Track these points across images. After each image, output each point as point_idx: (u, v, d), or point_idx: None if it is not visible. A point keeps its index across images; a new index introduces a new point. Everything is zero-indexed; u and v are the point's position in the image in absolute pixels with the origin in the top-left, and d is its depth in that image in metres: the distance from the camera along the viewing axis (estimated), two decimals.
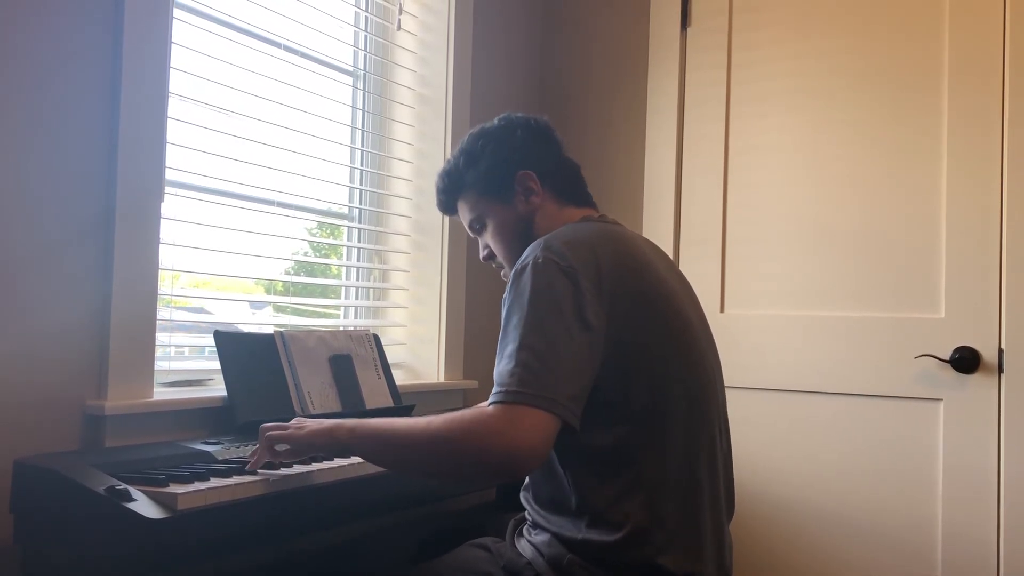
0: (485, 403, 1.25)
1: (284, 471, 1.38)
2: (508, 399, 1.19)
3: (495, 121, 1.59)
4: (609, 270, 1.31)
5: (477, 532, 1.54)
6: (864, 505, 2.26)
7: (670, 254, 2.54)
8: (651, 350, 1.33)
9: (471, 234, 1.63)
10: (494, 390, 1.22)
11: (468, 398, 2.47)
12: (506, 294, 1.32)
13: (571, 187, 1.58)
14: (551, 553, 1.33)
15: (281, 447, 1.38)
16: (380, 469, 1.48)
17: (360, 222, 2.39)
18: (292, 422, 1.39)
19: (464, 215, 1.61)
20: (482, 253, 1.62)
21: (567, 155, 1.61)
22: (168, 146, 1.71)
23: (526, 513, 1.45)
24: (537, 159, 1.54)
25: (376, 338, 2.09)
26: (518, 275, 1.30)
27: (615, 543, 1.28)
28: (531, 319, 1.24)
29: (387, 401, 2.03)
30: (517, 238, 1.52)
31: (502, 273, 1.59)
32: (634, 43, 2.69)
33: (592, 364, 1.27)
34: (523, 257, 1.33)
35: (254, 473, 1.35)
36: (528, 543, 1.38)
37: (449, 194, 1.61)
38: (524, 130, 1.56)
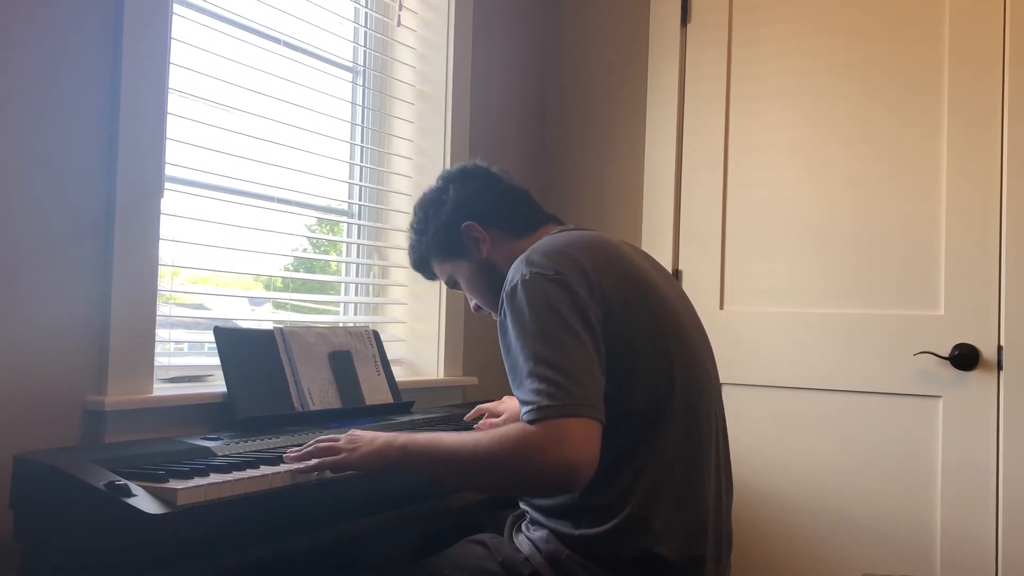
0: (514, 422, 1.25)
1: (283, 467, 1.38)
2: (545, 414, 1.18)
3: (433, 184, 1.64)
4: (595, 272, 1.32)
5: (476, 528, 1.54)
6: (863, 502, 2.26)
7: (669, 251, 2.54)
8: (645, 346, 1.33)
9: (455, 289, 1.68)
10: (524, 409, 1.21)
11: (467, 394, 2.47)
12: (501, 318, 1.32)
13: (522, 216, 1.59)
14: (549, 549, 1.34)
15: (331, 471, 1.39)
16: None
17: (360, 218, 2.38)
18: (343, 440, 1.40)
19: (441, 278, 1.68)
20: (471, 304, 1.66)
21: (509, 185, 1.62)
22: (168, 142, 1.71)
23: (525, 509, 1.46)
24: (475, 207, 1.57)
25: (376, 334, 2.09)
26: (510, 296, 1.31)
27: (611, 532, 1.29)
28: (537, 333, 1.25)
29: (387, 398, 2.03)
30: (487, 285, 1.57)
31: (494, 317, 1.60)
32: (634, 39, 2.68)
33: (602, 361, 1.28)
34: (509, 279, 1.34)
35: (256, 466, 1.36)
36: (526, 539, 1.39)
37: (422, 267, 1.68)
38: (456, 183, 1.60)
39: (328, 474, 1.40)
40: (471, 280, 1.60)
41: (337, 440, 1.40)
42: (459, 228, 1.55)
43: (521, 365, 1.25)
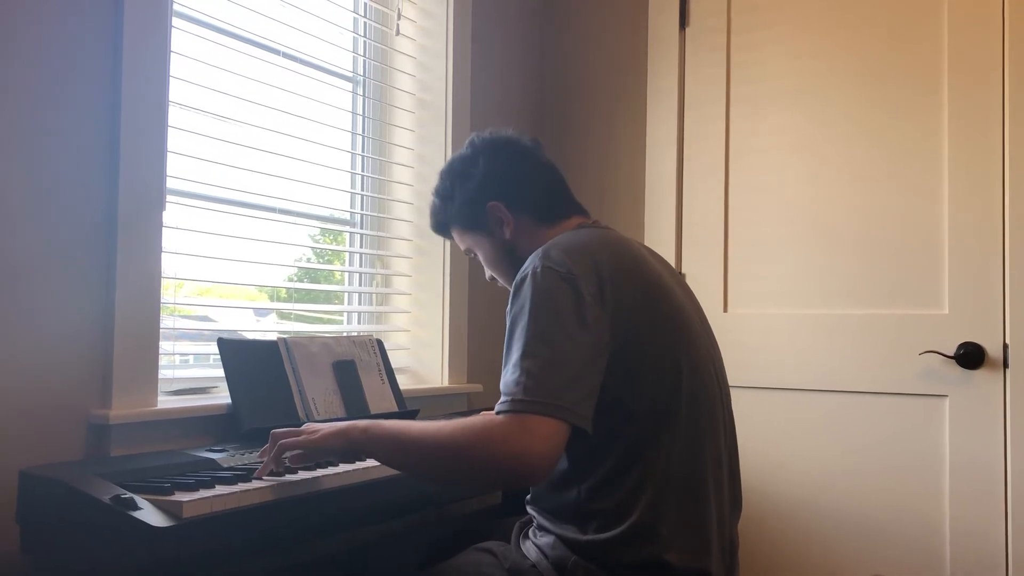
0: (491, 411, 1.25)
1: (290, 477, 1.38)
2: (515, 408, 1.19)
3: (462, 149, 1.61)
4: (609, 274, 1.32)
5: (482, 536, 1.54)
6: (871, 503, 2.25)
7: (672, 255, 2.54)
8: (653, 349, 1.33)
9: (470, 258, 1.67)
10: (501, 399, 1.22)
11: (472, 402, 2.47)
12: (508, 306, 1.33)
13: (548, 201, 1.56)
14: (556, 555, 1.33)
15: (292, 454, 1.37)
16: (384, 474, 1.48)
17: (362, 227, 2.39)
18: (304, 427, 1.39)
19: (460, 246, 1.65)
20: (487, 275, 1.66)
21: (541, 163, 1.58)
22: (169, 155, 1.71)
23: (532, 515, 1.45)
24: (503, 186, 1.54)
25: (379, 343, 2.09)
26: (518, 286, 1.31)
27: (618, 538, 1.29)
28: (533, 327, 1.25)
29: (391, 406, 2.03)
30: (506, 265, 1.55)
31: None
32: (633, 44, 2.69)
33: (598, 364, 1.27)
34: (523, 268, 1.34)
35: (261, 479, 1.36)
36: (533, 545, 1.39)
37: (440, 230, 1.66)
38: (486, 155, 1.56)
39: (317, 478, 1.38)
40: (489, 257, 1.59)
41: (295, 429, 1.39)
42: (485, 206, 1.53)
43: (512, 354, 1.26)
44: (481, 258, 1.61)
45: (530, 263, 1.33)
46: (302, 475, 1.41)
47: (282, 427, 1.41)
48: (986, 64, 2.16)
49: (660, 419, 1.32)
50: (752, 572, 2.36)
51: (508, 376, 1.23)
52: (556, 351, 1.23)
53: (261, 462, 1.45)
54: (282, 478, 1.37)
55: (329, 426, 1.36)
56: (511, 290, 1.34)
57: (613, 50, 2.73)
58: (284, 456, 1.38)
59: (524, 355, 1.23)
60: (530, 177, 1.56)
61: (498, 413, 1.21)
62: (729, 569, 1.41)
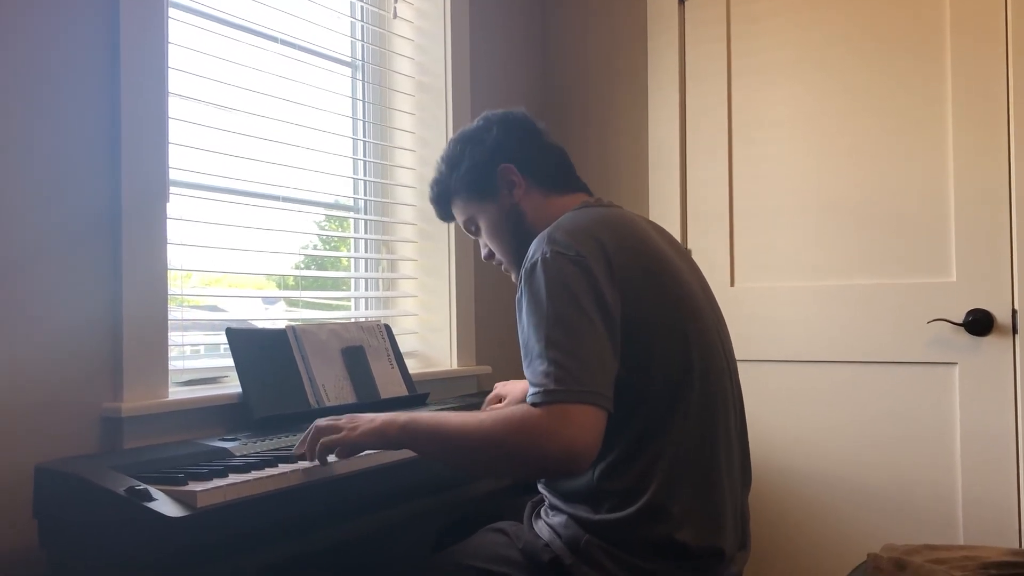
0: (519, 403, 1.26)
1: (302, 465, 1.39)
2: (551, 398, 1.19)
3: (473, 122, 1.61)
4: (615, 253, 1.32)
5: (495, 517, 1.55)
6: (882, 472, 2.26)
7: (678, 231, 2.53)
8: (662, 327, 1.33)
9: (469, 236, 1.65)
10: (531, 391, 1.22)
11: (482, 384, 2.48)
12: (519, 295, 1.32)
13: (557, 174, 1.57)
14: (568, 534, 1.34)
15: (332, 453, 1.37)
16: (397, 458, 1.49)
17: (366, 213, 2.39)
18: (344, 419, 1.39)
19: (459, 218, 1.64)
20: (483, 252, 1.64)
21: (550, 141, 1.60)
22: (171, 146, 1.72)
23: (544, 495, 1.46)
24: (516, 152, 1.54)
25: (387, 328, 2.10)
26: (529, 273, 1.31)
27: (630, 518, 1.29)
28: (552, 315, 1.25)
29: (401, 390, 2.03)
30: (510, 234, 1.54)
31: (503, 268, 1.60)
32: (633, 19, 2.67)
33: (616, 348, 1.27)
34: (530, 255, 1.33)
35: (274, 465, 1.37)
36: (546, 524, 1.39)
37: (441, 202, 1.64)
38: (500, 125, 1.57)
39: (331, 463, 1.39)
40: (495, 226, 1.57)
41: (337, 420, 1.39)
42: (496, 169, 1.53)
43: (533, 345, 1.25)
44: (484, 229, 1.59)
45: (536, 249, 1.32)
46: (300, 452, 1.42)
47: (294, 413, 1.40)
48: (989, 29, 2.14)
49: (671, 398, 1.32)
50: (763, 545, 2.37)
51: (536, 367, 1.23)
52: (579, 337, 1.23)
53: (275, 451, 1.46)
54: (294, 464, 1.38)
55: (367, 422, 1.36)
56: (521, 277, 1.33)
57: (613, 27, 2.72)
58: (325, 455, 1.38)
59: (548, 344, 1.23)
60: (541, 148, 1.57)
61: (533, 405, 1.20)
62: (741, 543, 1.42)
